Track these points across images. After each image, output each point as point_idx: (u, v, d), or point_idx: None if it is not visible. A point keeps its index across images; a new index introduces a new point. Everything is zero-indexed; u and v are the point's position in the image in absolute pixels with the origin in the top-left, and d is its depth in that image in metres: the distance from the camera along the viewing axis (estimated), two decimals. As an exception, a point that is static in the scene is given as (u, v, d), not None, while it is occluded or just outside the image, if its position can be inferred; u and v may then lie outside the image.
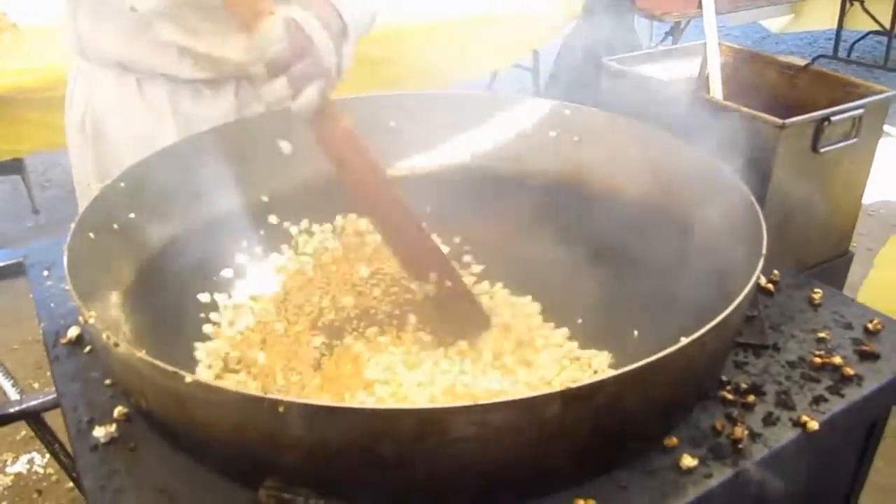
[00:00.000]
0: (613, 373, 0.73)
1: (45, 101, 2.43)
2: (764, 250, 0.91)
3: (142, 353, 0.75)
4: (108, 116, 1.34)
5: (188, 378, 0.71)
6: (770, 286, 1.16)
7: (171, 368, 0.72)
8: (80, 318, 0.85)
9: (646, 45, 4.04)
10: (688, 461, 0.83)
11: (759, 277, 0.88)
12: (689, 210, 1.14)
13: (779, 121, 1.19)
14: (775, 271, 1.18)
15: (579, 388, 0.71)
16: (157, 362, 0.74)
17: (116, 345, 0.77)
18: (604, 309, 1.17)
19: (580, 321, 1.17)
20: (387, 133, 1.35)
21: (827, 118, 1.23)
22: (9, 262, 1.29)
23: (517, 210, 1.31)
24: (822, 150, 1.25)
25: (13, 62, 2.63)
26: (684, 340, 0.76)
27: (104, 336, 0.79)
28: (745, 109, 1.25)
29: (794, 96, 1.49)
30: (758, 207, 0.99)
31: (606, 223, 1.22)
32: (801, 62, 1.51)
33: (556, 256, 1.26)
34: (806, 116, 1.22)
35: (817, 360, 1.00)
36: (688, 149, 1.15)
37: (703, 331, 0.77)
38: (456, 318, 1.13)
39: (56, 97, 2.36)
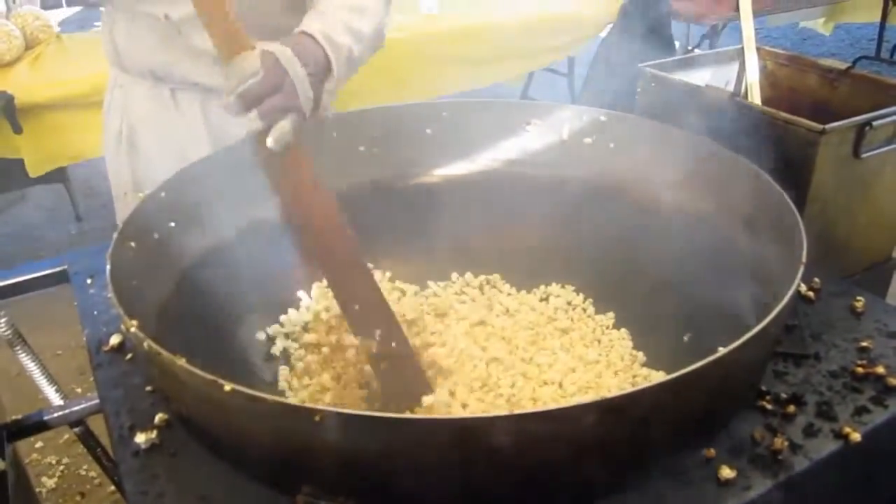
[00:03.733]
0: (649, 383, 0.72)
1: (88, 108, 2.49)
2: (804, 258, 0.89)
3: (182, 362, 0.77)
4: (143, 126, 1.37)
5: (227, 387, 0.72)
6: (811, 294, 1.14)
7: (210, 377, 0.74)
8: (123, 327, 0.86)
9: (682, 50, 4.00)
10: (726, 472, 0.82)
11: (799, 286, 0.87)
12: (728, 217, 1.13)
13: (819, 126, 1.17)
14: (816, 279, 1.16)
15: (615, 399, 0.71)
16: (198, 371, 0.75)
17: (158, 353, 0.79)
18: (643, 319, 1.18)
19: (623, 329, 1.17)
20: (424, 141, 1.37)
21: (868, 123, 1.21)
22: (53, 271, 1.31)
23: (553, 217, 1.31)
24: (863, 156, 1.22)
25: (57, 72, 2.70)
26: (722, 350, 0.75)
27: (146, 344, 0.80)
28: (785, 115, 1.23)
29: (835, 100, 1.46)
30: (797, 215, 0.97)
31: (643, 231, 1.22)
32: (842, 65, 1.48)
33: (591, 265, 1.26)
34: (847, 121, 1.20)
35: (860, 369, 0.98)
36: (726, 155, 1.14)
37: (741, 341, 0.77)
38: (396, 380, 1.05)
39: (98, 105, 2.45)
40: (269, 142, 0.95)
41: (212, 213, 1.18)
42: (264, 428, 0.75)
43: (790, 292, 0.84)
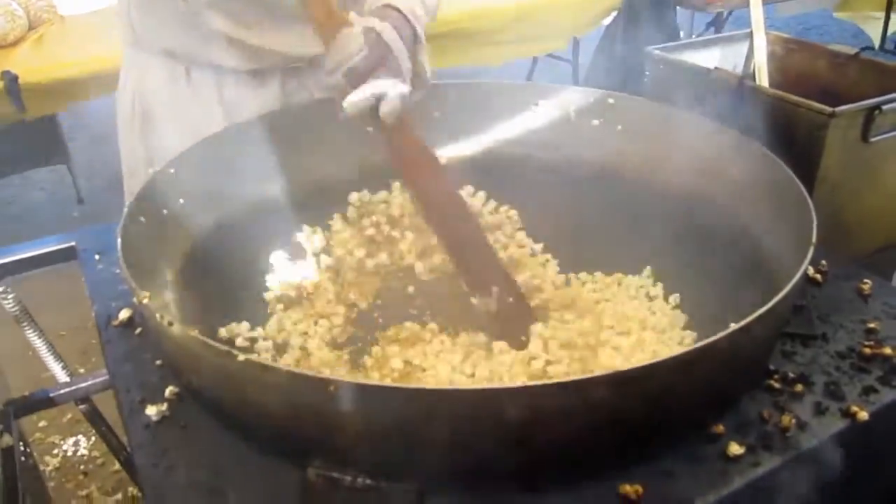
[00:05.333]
0: (660, 358, 0.72)
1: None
2: (814, 239, 0.90)
3: (195, 332, 0.77)
4: (158, 103, 1.36)
5: (241, 357, 0.72)
6: (818, 276, 1.14)
7: (224, 347, 0.74)
8: (135, 300, 0.86)
9: (686, 37, 3.98)
10: (735, 449, 0.82)
11: (808, 268, 0.87)
12: (736, 200, 1.13)
13: (828, 109, 1.17)
14: (823, 262, 1.16)
15: (627, 372, 0.71)
16: (211, 341, 0.75)
17: (171, 324, 0.79)
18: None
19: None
20: (431, 123, 1.36)
21: (877, 107, 1.21)
22: (60, 247, 1.31)
23: (559, 199, 1.31)
24: (872, 140, 1.22)
25: (61, 53, 2.68)
26: (733, 326, 0.75)
27: (158, 316, 0.81)
28: (794, 98, 1.23)
29: (843, 86, 1.46)
30: (807, 196, 0.97)
31: (650, 213, 1.22)
32: (851, 51, 1.48)
33: (598, 247, 1.26)
34: (856, 105, 1.20)
35: (867, 350, 0.99)
36: (734, 137, 1.14)
37: (750, 318, 0.77)
38: (513, 330, 1.10)
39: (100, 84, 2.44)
40: (383, 114, 0.99)
41: (220, 189, 1.18)
42: (277, 399, 0.76)
43: (799, 273, 0.84)
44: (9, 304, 1.24)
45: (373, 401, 0.71)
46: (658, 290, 1.18)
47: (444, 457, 0.74)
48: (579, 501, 0.79)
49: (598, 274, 1.24)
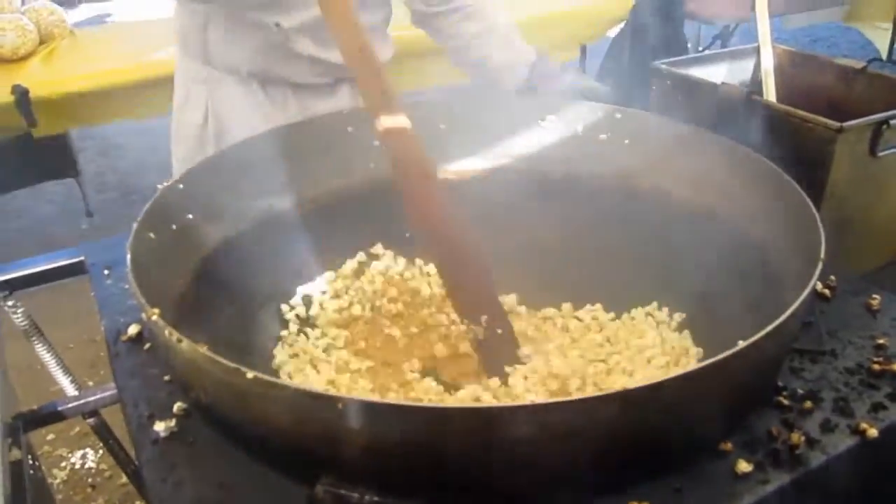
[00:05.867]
0: (668, 376, 0.72)
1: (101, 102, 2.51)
2: (822, 255, 0.90)
3: (204, 349, 0.77)
4: (233, 118, 1.41)
5: (249, 374, 0.73)
6: (826, 291, 1.14)
7: (232, 364, 0.74)
8: (143, 316, 0.87)
9: (693, 51, 3.99)
10: (743, 466, 0.82)
11: (816, 283, 0.87)
12: (743, 215, 1.13)
13: (836, 124, 1.17)
14: (832, 277, 1.16)
15: (635, 391, 0.71)
16: (219, 358, 0.75)
17: (180, 340, 0.79)
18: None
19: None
20: (437, 135, 1.37)
21: (885, 121, 1.21)
22: (70, 261, 1.32)
23: (566, 213, 1.31)
24: (880, 155, 1.22)
25: (72, 68, 2.70)
26: (741, 344, 0.75)
27: (166, 332, 0.81)
28: (801, 112, 1.23)
29: (851, 100, 1.46)
30: (815, 211, 0.97)
31: (657, 228, 1.22)
32: (858, 64, 1.48)
33: (605, 261, 1.26)
34: (863, 120, 1.20)
35: (876, 366, 0.98)
36: (741, 151, 1.14)
37: (758, 336, 0.77)
38: (497, 359, 1.09)
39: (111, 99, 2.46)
40: None
41: (229, 204, 1.19)
42: (286, 416, 0.76)
43: (807, 289, 0.84)
44: (18, 318, 1.25)
45: (381, 419, 0.71)
46: (664, 314, 1.18)
47: (452, 475, 0.74)
48: (587, 519, 0.78)
49: (597, 305, 1.24)
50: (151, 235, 1.02)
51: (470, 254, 1.09)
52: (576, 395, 0.73)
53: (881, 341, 1.03)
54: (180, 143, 1.55)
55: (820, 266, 0.88)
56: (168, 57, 2.63)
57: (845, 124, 1.17)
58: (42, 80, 2.53)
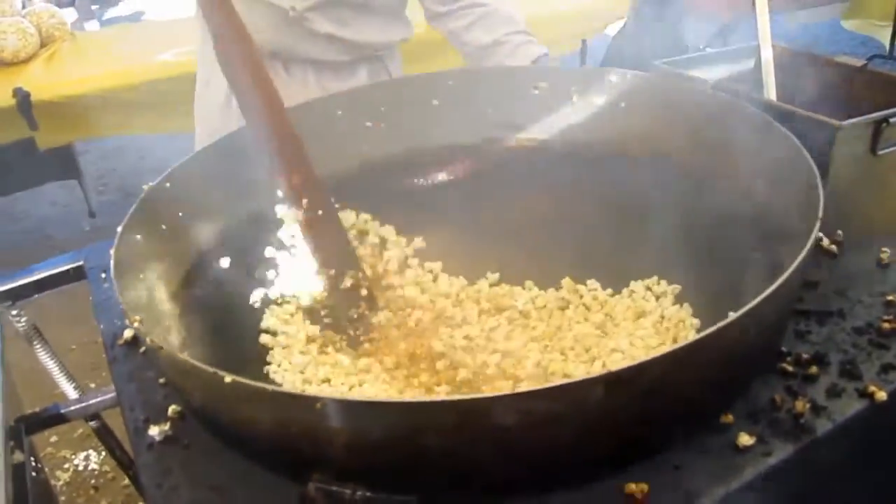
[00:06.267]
0: (657, 353, 0.69)
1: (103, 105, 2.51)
2: (820, 213, 0.86)
3: (184, 356, 0.76)
4: None
5: (228, 378, 0.71)
6: (834, 248, 1.10)
7: (210, 369, 0.73)
8: (127, 322, 0.86)
9: (693, 49, 3.92)
10: (744, 439, 0.79)
11: (814, 243, 0.83)
12: (742, 174, 1.09)
13: (836, 122, 1.14)
14: (839, 231, 1.12)
15: (622, 372, 0.68)
16: (198, 364, 0.74)
17: (161, 347, 0.78)
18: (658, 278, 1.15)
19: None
20: (431, 111, 1.34)
21: (886, 119, 1.17)
22: (70, 267, 1.32)
23: (565, 182, 1.28)
24: (880, 153, 1.19)
25: (73, 71, 2.71)
26: (732, 315, 0.72)
27: (149, 340, 0.80)
28: (801, 110, 1.19)
29: (851, 98, 1.42)
30: (815, 168, 0.94)
31: (657, 192, 1.18)
32: (858, 62, 1.44)
33: (607, 228, 1.23)
34: (864, 118, 1.17)
35: (886, 325, 0.95)
36: (740, 107, 1.10)
37: (753, 303, 0.73)
38: (328, 246, 1.11)
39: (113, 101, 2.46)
40: None
41: (220, 200, 1.17)
42: (269, 418, 0.75)
43: (805, 250, 0.80)
44: (21, 324, 1.25)
45: (361, 416, 0.69)
46: (664, 286, 1.14)
47: (441, 467, 0.73)
48: (584, 501, 0.77)
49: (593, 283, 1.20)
50: (138, 238, 1.01)
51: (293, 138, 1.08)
52: (556, 382, 0.70)
53: (891, 298, 1.00)
54: (203, 123, 1.60)
55: (818, 224, 0.84)
56: (172, 58, 2.64)
57: (845, 122, 1.14)
58: (43, 83, 2.54)
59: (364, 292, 1.12)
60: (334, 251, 1.11)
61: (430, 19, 1.64)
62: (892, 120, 1.16)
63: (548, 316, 1.14)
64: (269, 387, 0.71)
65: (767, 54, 1.40)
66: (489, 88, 1.36)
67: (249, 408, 0.75)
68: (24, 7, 3.20)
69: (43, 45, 2.95)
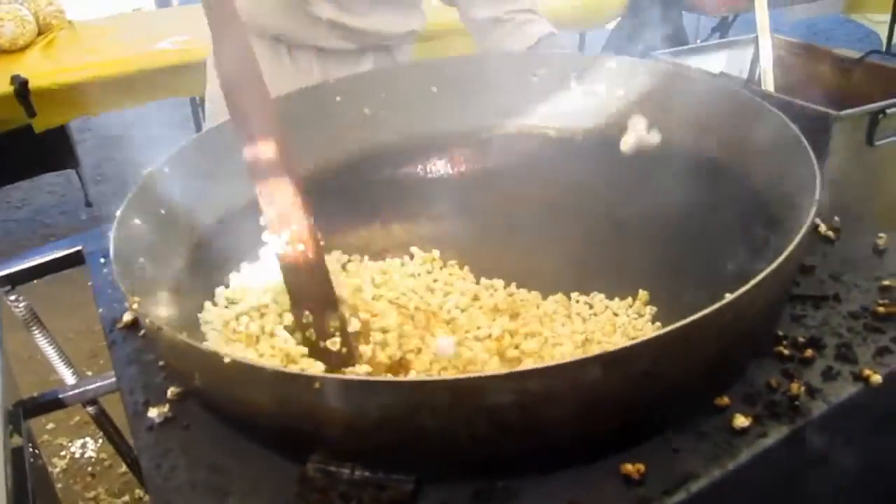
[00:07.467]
0: (654, 334, 0.70)
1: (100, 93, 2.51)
2: (817, 196, 0.86)
3: (183, 336, 0.77)
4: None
5: (227, 359, 0.72)
6: (831, 234, 1.11)
7: (210, 349, 0.73)
8: (126, 304, 0.86)
9: (692, 42, 3.94)
10: (741, 421, 0.80)
11: (811, 225, 0.84)
12: (742, 160, 1.09)
13: (832, 112, 1.15)
14: (836, 218, 1.12)
15: (618, 352, 0.69)
16: (197, 344, 0.75)
17: (160, 328, 0.79)
18: (660, 266, 1.15)
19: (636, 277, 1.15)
20: (429, 99, 1.34)
21: (882, 110, 1.18)
22: (68, 252, 1.32)
23: (562, 170, 1.28)
24: (877, 143, 1.20)
25: (71, 58, 2.70)
26: (728, 297, 0.72)
27: (148, 321, 0.80)
28: (799, 101, 1.20)
29: (849, 89, 1.44)
30: (811, 152, 0.94)
31: (656, 179, 1.19)
32: (856, 55, 1.45)
33: (606, 216, 1.23)
34: (860, 108, 1.18)
35: (881, 309, 0.95)
36: (737, 94, 1.11)
37: (748, 286, 0.73)
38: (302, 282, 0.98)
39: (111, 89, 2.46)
40: None
41: (219, 184, 1.17)
42: (268, 398, 0.75)
43: (800, 234, 0.80)
44: (19, 310, 1.26)
45: (359, 396, 0.70)
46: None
47: (439, 447, 0.73)
48: (581, 483, 0.77)
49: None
50: (137, 222, 1.02)
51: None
52: (552, 362, 0.70)
53: (887, 283, 1.00)
54: (213, 101, 1.60)
55: (815, 207, 0.85)
56: (170, 46, 2.64)
57: (842, 113, 1.15)
58: (41, 70, 2.53)
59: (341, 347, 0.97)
60: (311, 291, 0.98)
61: (465, 23, 1.62)
62: (889, 111, 1.17)
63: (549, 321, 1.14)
64: (268, 366, 0.72)
65: (766, 45, 1.41)
66: (488, 75, 1.36)
67: (248, 388, 0.76)
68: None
69: (40, 32, 2.94)
